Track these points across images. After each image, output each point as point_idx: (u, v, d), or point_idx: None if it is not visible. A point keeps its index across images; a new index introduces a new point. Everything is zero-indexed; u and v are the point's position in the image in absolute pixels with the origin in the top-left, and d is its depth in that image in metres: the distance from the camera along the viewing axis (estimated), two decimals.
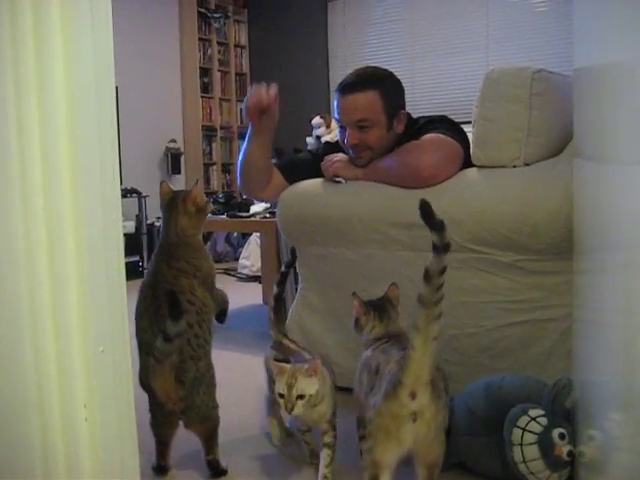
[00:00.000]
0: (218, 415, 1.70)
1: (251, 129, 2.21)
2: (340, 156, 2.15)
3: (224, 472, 1.69)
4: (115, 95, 1.09)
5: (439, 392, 1.30)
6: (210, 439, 1.69)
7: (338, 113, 2.14)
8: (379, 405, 1.31)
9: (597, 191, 1.21)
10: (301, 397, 1.47)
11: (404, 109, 2.16)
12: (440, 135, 1.96)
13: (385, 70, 2.17)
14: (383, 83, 2.10)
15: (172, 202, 1.76)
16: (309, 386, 1.48)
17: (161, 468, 1.70)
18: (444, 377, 1.39)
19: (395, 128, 2.13)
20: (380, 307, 1.61)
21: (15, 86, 0.95)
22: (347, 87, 2.10)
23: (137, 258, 5.20)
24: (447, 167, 1.91)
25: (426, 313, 1.23)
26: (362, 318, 1.60)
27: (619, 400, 1.00)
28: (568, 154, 1.77)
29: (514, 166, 1.83)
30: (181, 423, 1.68)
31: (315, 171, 2.20)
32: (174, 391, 1.59)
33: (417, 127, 2.11)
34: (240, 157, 2.26)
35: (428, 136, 1.97)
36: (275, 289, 1.93)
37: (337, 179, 2.14)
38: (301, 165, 2.35)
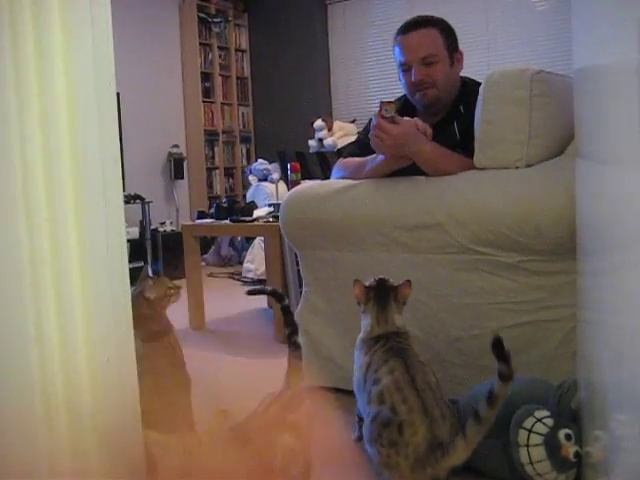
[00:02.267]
0: None
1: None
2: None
3: None
4: (117, 101, 1.09)
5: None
6: None
7: (401, 54, 2.19)
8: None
9: (599, 191, 1.21)
10: None
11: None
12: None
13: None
14: (440, 23, 2.22)
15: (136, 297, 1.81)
16: None
17: None
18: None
19: (455, 67, 2.22)
20: (382, 302, 1.67)
21: (16, 96, 0.96)
22: (409, 26, 2.20)
23: (141, 264, 5.20)
24: None
25: (479, 429, 1.34)
26: (362, 305, 1.70)
27: (624, 401, 1.00)
28: (570, 154, 1.77)
29: (517, 167, 1.83)
30: None
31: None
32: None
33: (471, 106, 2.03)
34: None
35: (462, 157, 1.99)
36: None
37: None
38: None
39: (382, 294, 1.68)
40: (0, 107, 0.96)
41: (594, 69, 1.20)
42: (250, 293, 1.62)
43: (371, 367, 1.57)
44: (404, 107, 2.24)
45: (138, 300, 1.84)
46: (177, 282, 1.93)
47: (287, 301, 1.58)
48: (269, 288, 1.67)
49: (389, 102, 1.99)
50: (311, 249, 2.21)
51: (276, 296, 1.60)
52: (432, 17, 2.24)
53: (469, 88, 2.16)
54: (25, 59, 0.96)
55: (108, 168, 1.05)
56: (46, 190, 0.98)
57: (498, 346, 1.33)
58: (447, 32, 2.21)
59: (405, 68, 2.20)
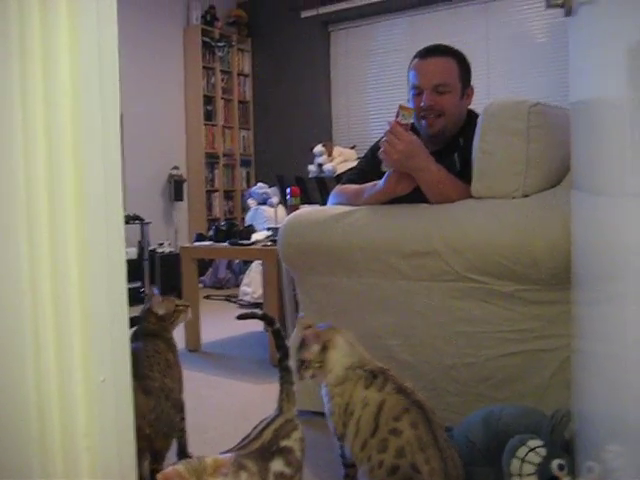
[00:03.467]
0: (183, 439, 1.87)
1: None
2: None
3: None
4: (120, 122, 1.10)
5: None
6: (165, 453, 1.75)
7: (416, 77, 2.20)
8: None
9: (593, 222, 1.22)
10: None
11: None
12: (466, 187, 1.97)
13: None
14: (459, 55, 2.25)
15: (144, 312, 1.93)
16: None
17: None
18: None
19: (464, 100, 2.24)
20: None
21: (23, 113, 0.97)
22: (429, 51, 2.22)
23: (139, 284, 5.21)
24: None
25: None
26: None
27: (618, 431, 1.00)
28: (566, 185, 1.78)
29: (513, 197, 1.84)
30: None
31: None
32: (144, 403, 1.62)
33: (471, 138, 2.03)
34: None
35: (463, 185, 1.99)
36: None
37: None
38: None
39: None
40: (5, 125, 0.98)
41: (590, 101, 1.22)
42: (241, 318, 1.59)
43: (385, 410, 1.48)
44: None
45: (147, 315, 1.85)
46: None
47: (278, 325, 1.56)
48: (260, 312, 1.64)
49: (407, 107, 1.97)
50: (308, 274, 2.22)
51: (267, 320, 1.58)
52: (452, 48, 2.26)
53: (472, 120, 2.18)
54: (32, 73, 0.98)
55: (110, 188, 1.06)
56: (49, 209, 0.99)
57: None
58: (464, 66, 2.24)
59: (417, 92, 2.21)
